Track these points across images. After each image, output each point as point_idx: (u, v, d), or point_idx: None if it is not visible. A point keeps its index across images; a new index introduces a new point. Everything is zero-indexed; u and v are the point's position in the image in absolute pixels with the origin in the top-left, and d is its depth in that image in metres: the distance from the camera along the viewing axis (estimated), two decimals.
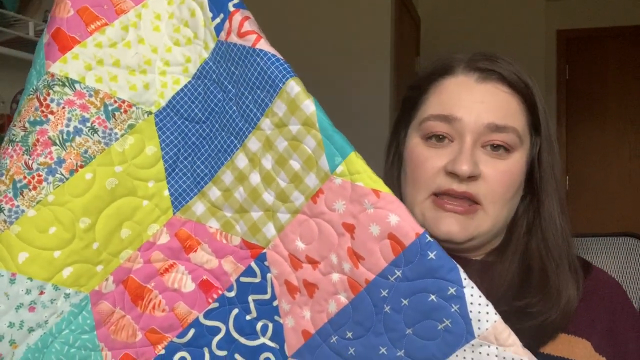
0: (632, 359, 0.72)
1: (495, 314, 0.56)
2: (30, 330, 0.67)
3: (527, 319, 0.68)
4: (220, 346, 0.71)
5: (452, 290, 0.57)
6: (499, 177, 0.71)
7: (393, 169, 0.82)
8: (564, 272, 0.72)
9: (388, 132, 0.85)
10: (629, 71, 3.98)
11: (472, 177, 0.70)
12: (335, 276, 0.64)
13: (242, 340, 0.70)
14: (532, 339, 0.66)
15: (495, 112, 0.71)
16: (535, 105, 0.74)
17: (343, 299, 0.64)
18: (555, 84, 4.02)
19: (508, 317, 0.57)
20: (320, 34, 3.11)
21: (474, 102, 0.72)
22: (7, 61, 1.77)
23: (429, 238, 0.59)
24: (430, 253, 0.58)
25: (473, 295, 0.57)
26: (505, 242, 0.76)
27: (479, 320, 0.57)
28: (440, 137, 0.73)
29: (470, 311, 0.57)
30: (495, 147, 0.71)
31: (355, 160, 0.62)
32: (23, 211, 0.66)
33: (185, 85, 0.73)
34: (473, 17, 4.04)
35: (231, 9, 0.69)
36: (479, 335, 0.57)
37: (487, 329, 0.56)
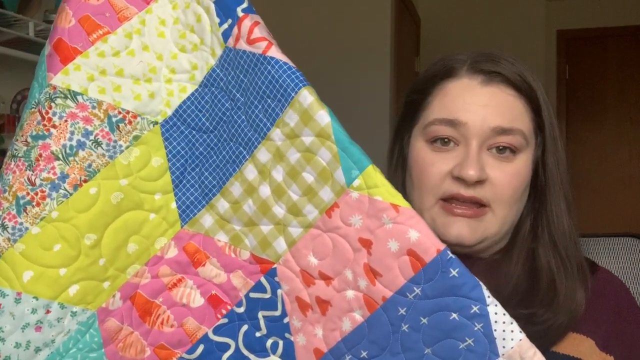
0: None
1: (520, 332, 0.55)
2: (37, 350, 0.65)
3: (533, 325, 0.67)
4: None
5: (475, 309, 0.56)
6: (506, 180, 0.71)
7: (397, 174, 0.81)
8: (572, 276, 0.71)
9: (389, 132, 0.83)
10: (628, 71, 3.98)
11: (479, 182, 0.69)
12: (350, 293, 0.62)
13: (252, 357, 0.68)
14: (539, 340, 0.65)
15: (501, 115, 0.71)
16: (539, 106, 0.74)
17: (358, 317, 0.61)
18: (555, 84, 4.03)
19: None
20: (320, 34, 3.10)
21: (478, 106, 0.71)
22: (7, 61, 1.76)
23: (451, 255, 0.57)
24: (452, 270, 0.56)
25: (497, 313, 0.55)
26: (511, 242, 0.76)
27: (504, 339, 0.55)
28: (446, 140, 0.72)
29: (495, 330, 0.55)
30: (501, 150, 0.71)
31: (374, 174, 0.60)
32: (27, 228, 0.64)
33: (192, 94, 0.71)
34: (473, 17, 4.04)
35: (240, 14, 0.66)
36: (503, 355, 0.55)
37: (512, 348, 0.55)
